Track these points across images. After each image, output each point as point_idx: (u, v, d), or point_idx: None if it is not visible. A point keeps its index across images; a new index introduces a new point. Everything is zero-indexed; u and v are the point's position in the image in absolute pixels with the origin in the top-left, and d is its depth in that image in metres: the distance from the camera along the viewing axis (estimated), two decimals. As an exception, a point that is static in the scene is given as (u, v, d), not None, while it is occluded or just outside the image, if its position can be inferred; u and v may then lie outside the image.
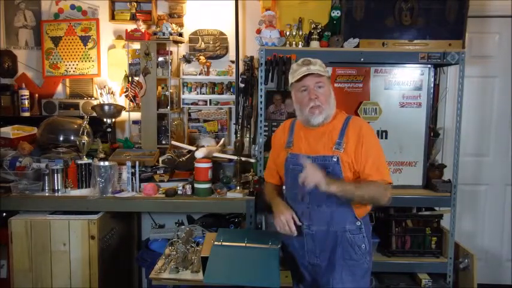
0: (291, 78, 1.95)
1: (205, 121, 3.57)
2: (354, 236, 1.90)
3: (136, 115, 3.48)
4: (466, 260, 2.88)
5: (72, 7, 3.57)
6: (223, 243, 1.93)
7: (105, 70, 3.57)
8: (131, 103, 3.37)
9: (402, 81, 2.83)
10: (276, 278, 1.75)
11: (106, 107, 3.33)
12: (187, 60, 3.50)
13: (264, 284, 1.74)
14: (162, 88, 3.42)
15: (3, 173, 2.86)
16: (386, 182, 1.86)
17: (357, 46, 2.81)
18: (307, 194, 1.92)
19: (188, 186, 2.81)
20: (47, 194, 2.77)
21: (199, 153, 2.93)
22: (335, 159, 1.86)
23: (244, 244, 1.92)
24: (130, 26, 3.35)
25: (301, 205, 1.96)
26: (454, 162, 2.81)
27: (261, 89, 2.80)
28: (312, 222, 1.92)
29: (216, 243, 1.94)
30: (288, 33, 2.87)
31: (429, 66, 2.82)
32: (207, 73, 3.50)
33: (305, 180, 1.76)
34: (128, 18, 3.43)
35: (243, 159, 2.98)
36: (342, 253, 1.90)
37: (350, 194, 1.81)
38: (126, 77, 3.36)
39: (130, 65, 3.42)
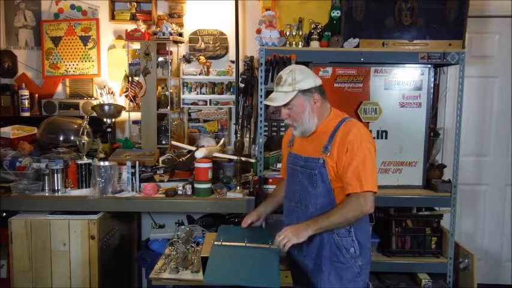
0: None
1: (205, 121, 3.58)
2: (341, 239, 1.88)
3: (136, 115, 3.48)
4: (466, 260, 2.88)
5: (72, 7, 3.57)
6: (224, 243, 1.93)
7: (105, 70, 3.57)
8: (131, 103, 3.37)
9: (402, 81, 2.83)
10: (276, 278, 1.74)
11: (106, 107, 3.33)
12: (187, 60, 3.50)
13: (263, 284, 1.74)
14: (162, 88, 3.43)
15: (3, 173, 2.86)
16: (364, 190, 1.79)
17: (357, 46, 2.81)
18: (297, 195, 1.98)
19: (188, 186, 2.81)
20: (47, 194, 2.77)
21: (199, 153, 2.93)
22: (321, 162, 1.87)
23: (244, 244, 1.92)
24: (131, 26, 3.35)
25: (291, 203, 2.00)
26: (454, 162, 2.81)
27: (261, 89, 2.80)
28: (299, 221, 1.91)
29: (216, 243, 1.94)
30: (288, 33, 2.87)
31: (429, 66, 2.82)
32: (207, 73, 3.50)
33: (281, 246, 1.81)
34: (128, 18, 3.44)
35: (243, 159, 2.98)
36: (330, 255, 1.90)
37: (326, 227, 1.83)
38: (126, 77, 3.36)
39: (130, 65, 3.42)
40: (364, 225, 1.96)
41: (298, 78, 1.87)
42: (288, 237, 1.80)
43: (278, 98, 1.89)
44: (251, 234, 2.04)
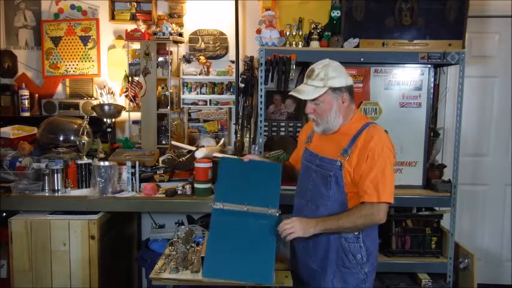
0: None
1: (205, 121, 3.58)
2: (349, 244, 1.87)
3: (136, 115, 3.48)
4: (466, 260, 2.88)
5: (72, 7, 3.57)
6: (225, 207, 1.92)
7: (105, 70, 3.57)
8: (131, 103, 3.37)
9: (402, 81, 2.83)
10: (270, 274, 1.77)
11: (106, 107, 3.33)
12: (187, 60, 3.50)
13: (258, 281, 1.76)
14: (162, 88, 3.43)
15: (3, 173, 2.86)
16: (381, 201, 1.78)
17: (357, 46, 2.81)
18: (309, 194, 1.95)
19: (188, 186, 2.81)
20: (47, 194, 2.77)
21: (199, 153, 2.93)
22: (338, 165, 1.84)
23: (245, 208, 1.90)
24: (131, 26, 3.35)
25: (302, 201, 1.99)
26: (454, 162, 2.81)
27: (261, 89, 2.80)
28: None
29: (217, 203, 1.92)
30: (288, 33, 2.87)
31: (429, 66, 2.82)
32: (207, 73, 3.50)
33: (285, 234, 1.80)
34: (128, 18, 3.44)
35: (243, 159, 2.97)
36: (336, 258, 1.89)
37: (335, 229, 1.82)
38: (126, 77, 3.36)
39: (130, 65, 3.42)
40: (373, 232, 1.94)
41: (331, 75, 1.83)
42: (295, 228, 1.78)
43: (307, 92, 1.85)
44: (252, 173, 2.04)
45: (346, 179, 1.84)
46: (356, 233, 1.86)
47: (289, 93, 1.94)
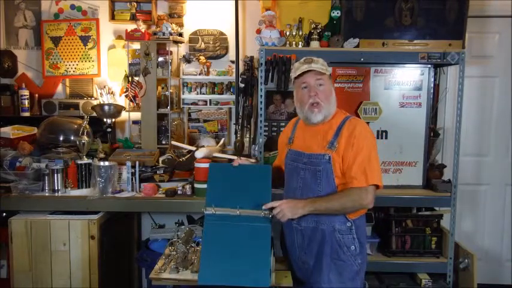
0: (293, 74, 1.99)
1: (205, 121, 3.58)
2: (343, 236, 1.91)
3: (136, 115, 3.48)
4: (466, 260, 2.88)
5: (72, 7, 3.57)
6: (216, 211, 1.91)
7: (105, 70, 3.57)
8: (131, 103, 3.37)
9: (402, 81, 2.83)
10: (266, 277, 1.77)
11: (106, 107, 3.33)
12: (187, 60, 3.50)
13: (254, 284, 1.76)
14: (162, 88, 3.43)
15: (3, 173, 2.86)
16: (370, 184, 1.84)
17: (357, 46, 2.81)
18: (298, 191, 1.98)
19: (188, 186, 2.81)
20: (47, 194, 2.77)
21: (199, 153, 2.93)
22: (327, 158, 1.89)
23: (237, 212, 1.90)
24: (131, 26, 3.35)
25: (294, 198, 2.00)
26: (454, 162, 2.81)
27: (261, 89, 2.80)
28: (302, 217, 1.92)
29: (208, 209, 1.92)
30: (288, 33, 2.87)
31: (429, 66, 2.82)
32: (207, 73, 3.50)
33: (279, 217, 1.86)
34: (128, 18, 3.44)
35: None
36: (330, 252, 1.92)
37: (323, 211, 1.87)
38: (126, 77, 3.36)
39: (130, 65, 3.42)
40: (363, 225, 2.00)
41: (325, 64, 1.97)
42: (283, 212, 1.84)
43: (318, 68, 1.93)
44: (242, 177, 2.04)
45: (336, 172, 1.89)
46: (349, 225, 1.91)
47: (305, 70, 1.93)
